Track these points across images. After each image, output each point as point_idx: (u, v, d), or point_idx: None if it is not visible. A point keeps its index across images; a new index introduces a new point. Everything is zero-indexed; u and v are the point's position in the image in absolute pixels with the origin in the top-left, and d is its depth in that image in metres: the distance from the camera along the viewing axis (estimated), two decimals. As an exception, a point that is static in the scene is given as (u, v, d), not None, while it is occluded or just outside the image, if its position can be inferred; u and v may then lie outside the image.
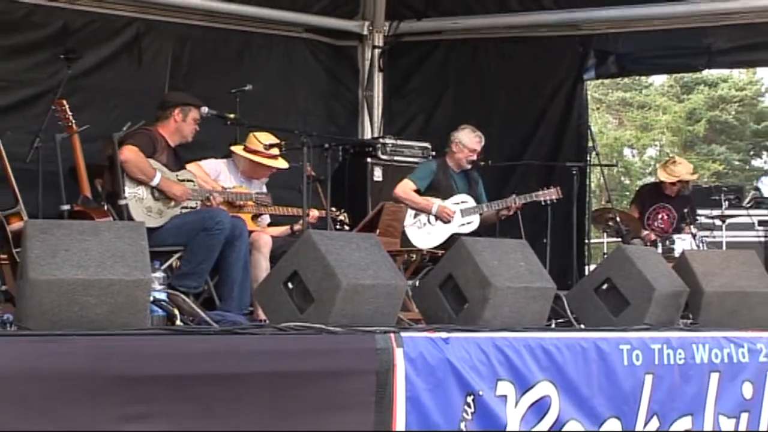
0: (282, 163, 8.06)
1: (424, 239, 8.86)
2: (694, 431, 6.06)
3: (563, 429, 5.49)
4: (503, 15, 11.31)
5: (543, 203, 9.03)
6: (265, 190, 8.17)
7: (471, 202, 9.01)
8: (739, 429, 6.27)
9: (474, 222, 8.94)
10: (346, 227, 8.28)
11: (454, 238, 8.65)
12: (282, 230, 8.12)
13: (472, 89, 11.45)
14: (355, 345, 4.95)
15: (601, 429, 5.64)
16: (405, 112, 11.67)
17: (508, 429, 5.24)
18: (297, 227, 7.96)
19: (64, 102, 7.13)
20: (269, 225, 8.21)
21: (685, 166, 10.43)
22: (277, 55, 10.87)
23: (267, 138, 7.95)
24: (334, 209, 8.10)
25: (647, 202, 10.33)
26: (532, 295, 6.03)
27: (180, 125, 7.55)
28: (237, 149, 8.06)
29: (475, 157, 9.09)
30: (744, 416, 6.30)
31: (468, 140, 9.09)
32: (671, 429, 5.97)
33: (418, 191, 8.98)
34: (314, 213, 7.87)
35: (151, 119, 7.48)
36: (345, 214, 8.31)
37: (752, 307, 6.96)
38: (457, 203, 8.98)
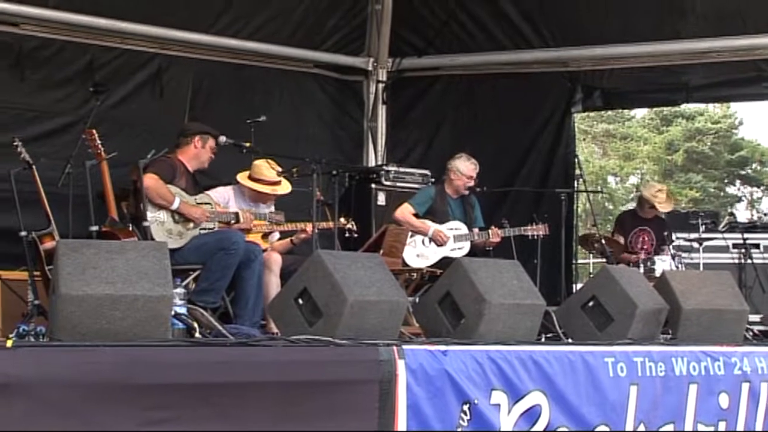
0: (283, 189, 8.03)
1: (417, 259, 8.86)
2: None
3: (553, 435, 5.49)
4: (497, 53, 11.32)
5: (531, 237, 9.04)
6: (273, 209, 8.14)
7: (464, 230, 9.01)
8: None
9: (465, 247, 8.94)
10: (355, 234, 8.26)
11: (445, 260, 8.67)
12: (283, 243, 8.09)
13: (468, 121, 11.46)
14: (360, 356, 4.96)
15: (588, 434, 5.66)
16: (406, 141, 11.67)
17: (501, 433, 5.25)
18: (296, 240, 7.95)
19: (94, 131, 7.14)
20: (278, 240, 8.19)
21: (665, 204, 10.37)
22: (289, 88, 10.87)
23: (268, 166, 7.91)
24: (342, 220, 8.07)
25: (627, 228, 10.31)
26: (523, 311, 6.04)
27: (199, 152, 7.57)
28: (242, 178, 8.01)
29: (472, 183, 9.09)
30: (722, 425, 6.30)
31: (464, 168, 9.10)
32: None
33: (416, 215, 8.99)
34: (307, 228, 7.79)
35: (171, 147, 7.50)
36: (352, 222, 8.27)
37: (727, 323, 6.96)
38: (451, 229, 8.98)
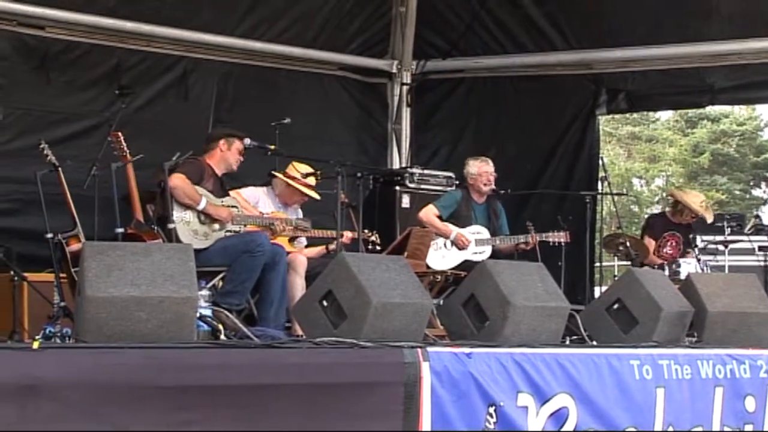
0: (314, 194, 8.09)
1: (438, 261, 8.86)
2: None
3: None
4: (521, 55, 11.32)
5: (551, 244, 9.02)
6: (301, 215, 8.19)
7: (485, 234, 9.01)
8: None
9: (486, 252, 8.94)
10: (377, 247, 8.28)
11: (466, 263, 8.69)
12: (318, 250, 8.14)
13: (492, 123, 11.46)
14: (385, 359, 4.95)
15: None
16: (431, 143, 11.68)
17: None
18: (332, 247, 7.96)
19: (120, 134, 7.17)
20: (306, 247, 8.22)
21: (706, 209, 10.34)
22: (313, 91, 10.90)
23: (305, 169, 7.98)
24: (366, 231, 8.11)
25: (658, 231, 10.25)
26: (548, 314, 6.02)
27: (225, 154, 7.59)
28: (277, 173, 8.10)
29: (491, 180, 9.07)
30: (748, 428, 6.27)
31: (476, 169, 9.11)
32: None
33: (440, 217, 8.99)
34: (347, 234, 7.88)
35: (197, 149, 7.50)
36: (376, 235, 8.32)
37: (752, 326, 6.92)
38: (474, 233, 8.99)
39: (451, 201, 9.13)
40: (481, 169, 9.10)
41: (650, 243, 10.10)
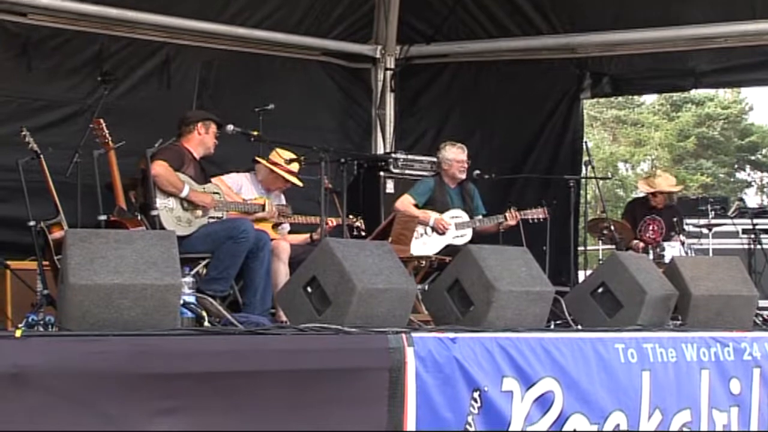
0: (297, 181, 8.09)
1: (420, 248, 8.87)
2: (689, 430, 6.05)
3: (568, 422, 5.47)
4: (504, 39, 11.32)
5: (531, 221, 9.04)
6: (284, 201, 8.18)
7: (465, 217, 9.05)
8: (731, 422, 6.25)
9: (467, 235, 8.97)
10: (362, 233, 8.29)
11: (449, 247, 8.73)
12: (302, 239, 8.13)
13: (476, 108, 11.45)
14: (370, 344, 4.95)
15: (606, 422, 5.62)
16: (415, 129, 11.68)
17: (512, 421, 5.23)
18: (316, 236, 7.96)
19: (102, 121, 7.15)
20: (289, 233, 8.22)
21: (666, 179, 10.45)
22: (297, 76, 10.87)
23: (289, 155, 7.98)
24: (350, 216, 8.11)
25: (637, 215, 10.30)
26: (532, 298, 6.02)
27: (204, 137, 7.59)
28: (261, 159, 8.09)
29: (466, 166, 9.11)
30: (734, 410, 6.29)
31: (451, 155, 9.13)
32: (673, 421, 5.96)
33: (416, 205, 9.01)
34: (331, 221, 7.88)
35: (174, 137, 7.49)
36: (361, 221, 8.33)
37: (736, 309, 6.94)
38: (452, 217, 9.01)
39: (426, 188, 9.15)
40: (458, 156, 9.13)
41: (626, 226, 10.16)
